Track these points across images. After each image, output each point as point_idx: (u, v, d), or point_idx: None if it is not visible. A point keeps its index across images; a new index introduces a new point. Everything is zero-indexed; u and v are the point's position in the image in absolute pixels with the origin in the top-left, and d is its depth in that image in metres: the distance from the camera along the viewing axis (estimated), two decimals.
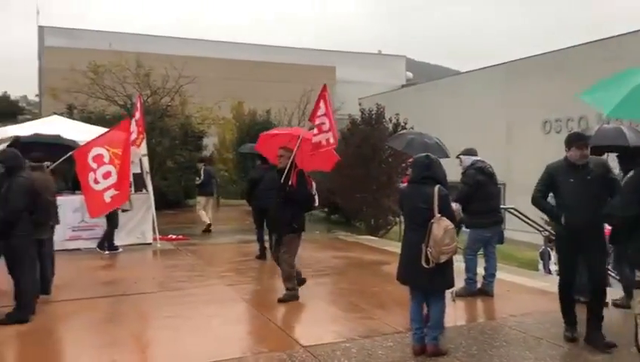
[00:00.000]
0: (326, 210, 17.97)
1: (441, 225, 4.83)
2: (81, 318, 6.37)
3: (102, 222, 10.47)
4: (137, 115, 10.89)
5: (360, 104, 16.67)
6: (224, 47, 42.46)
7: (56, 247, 7.51)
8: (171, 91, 20.87)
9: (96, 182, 7.12)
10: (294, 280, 7.01)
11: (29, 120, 28.90)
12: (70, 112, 19.24)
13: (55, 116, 13.96)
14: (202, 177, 14.00)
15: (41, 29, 42.67)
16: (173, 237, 12.44)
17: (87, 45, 30.30)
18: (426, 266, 4.84)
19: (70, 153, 7.67)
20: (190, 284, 8.12)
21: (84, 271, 8.94)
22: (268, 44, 47.37)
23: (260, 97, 27.32)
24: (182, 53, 27.59)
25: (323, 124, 7.04)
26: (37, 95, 43.80)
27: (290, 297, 6.91)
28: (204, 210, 14.02)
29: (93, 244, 10.74)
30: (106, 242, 10.48)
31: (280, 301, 6.89)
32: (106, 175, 7.22)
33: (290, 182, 6.77)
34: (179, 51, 30.81)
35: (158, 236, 11.53)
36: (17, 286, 6.07)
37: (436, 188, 4.97)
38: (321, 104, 7.15)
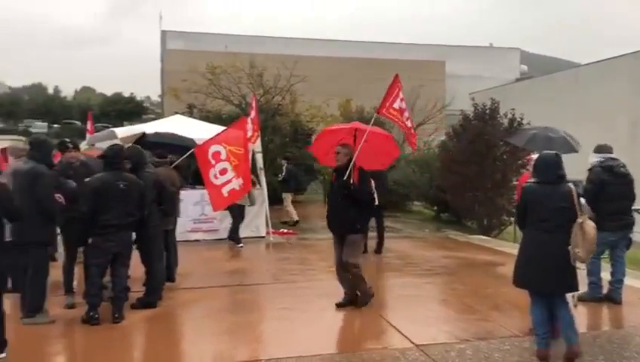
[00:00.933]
0: (435, 208, 17.63)
1: (590, 225, 4.63)
2: (202, 306, 6.75)
3: (220, 215, 11.01)
4: (253, 113, 11.32)
5: (473, 99, 16.13)
6: (332, 46, 42.98)
7: (178, 238, 8.00)
8: (282, 90, 21.47)
9: (215, 177, 7.47)
10: (364, 281, 6.58)
11: (152, 119, 30.98)
12: (190, 111, 20.36)
13: (177, 115, 14.86)
14: (284, 174, 14.70)
15: (163, 33, 45.63)
16: (285, 231, 12.81)
17: (205, 47, 31.88)
18: (566, 268, 4.67)
19: (191, 150, 8.11)
20: (302, 277, 8.33)
21: (204, 262, 9.47)
22: (375, 41, 47.21)
23: (367, 94, 27.35)
24: (293, 53, 28.29)
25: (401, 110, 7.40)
26: (159, 95, 46.85)
27: (367, 297, 6.58)
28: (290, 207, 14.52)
29: (212, 236, 11.34)
30: (233, 235, 10.95)
31: (359, 305, 6.51)
32: (223, 171, 7.54)
33: (351, 181, 6.36)
34: (290, 51, 31.64)
35: (270, 230, 11.93)
36: (149, 274, 6.57)
37: (572, 186, 4.74)
38: (399, 93, 7.31)
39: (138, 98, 65.20)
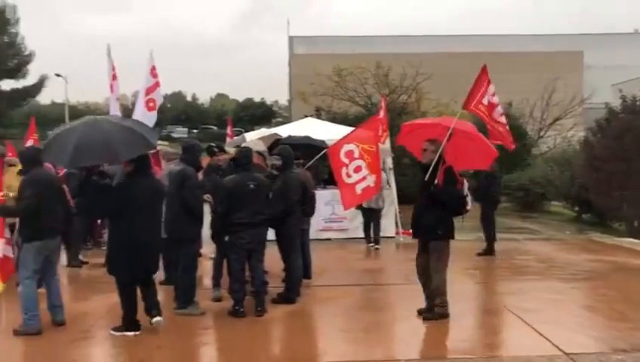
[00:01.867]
0: (577, 208, 16.47)
1: None
2: (337, 303, 6.86)
3: (350, 214, 11.16)
4: (382, 113, 11.32)
5: (620, 90, 14.84)
6: (454, 41, 41.75)
7: (311, 237, 8.20)
8: (408, 89, 21.28)
9: (348, 176, 7.56)
10: (445, 296, 6.03)
11: (281, 123, 32.12)
12: (318, 114, 20.86)
13: (308, 118, 15.28)
14: None
15: (290, 38, 47.10)
16: None
17: (330, 50, 32.44)
18: None
19: (324, 151, 8.28)
20: None
21: (336, 260, 9.65)
22: (500, 34, 45.11)
23: (499, 89, 26.26)
24: (417, 51, 27.92)
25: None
26: (288, 100, 48.48)
27: (440, 315, 5.95)
28: None
29: (342, 235, 11.53)
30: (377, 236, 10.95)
31: (426, 319, 5.99)
32: (357, 169, 7.61)
33: (435, 181, 5.82)
34: (414, 49, 31.22)
35: (400, 230, 11.85)
36: (288, 271, 6.82)
37: None
38: (489, 87, 6.57)
39: (268, 103, 68.04)
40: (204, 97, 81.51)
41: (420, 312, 6.10)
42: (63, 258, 8.65)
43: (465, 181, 6.08)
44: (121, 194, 5.47)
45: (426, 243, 6.02)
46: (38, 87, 49.45)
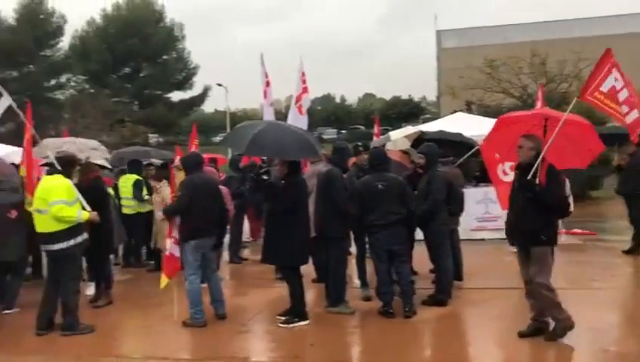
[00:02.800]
0: None
1: None
2: (491, 306, 6.52)
3: (504, 213, 10.54)
4: (539, 104, 10.61)
5: None
6: (620, 22, 37.79)
7: (462, 237, 7.87)
8: (569, 77, 19.73)
9: (504, 173, 7.17)
10: (561, 307, 5.19)
11: (429, 119, 31.55)
12: (469, 109, 20.16)
13: (458, 113, 14.81)
14: None
15: (438, 33, 46.15)
16: (579, 231, 11.65)
17: (480, 42, 31.22)
18: None
19: (475, 148, 7.94)
20: (605, 284, 7.42)
21: (490, 261, 9.19)
22: None
23: None
24: (576, 35, 25.76)
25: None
26: (437, 95, 47.54)
27: (564, 330, 5.16)
28: None
29: (497, 235, 10.92)
30: None
31: (551, 337, 5.19)
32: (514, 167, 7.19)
33: (537, 180, 5.09)
34: (573, 33, 28.87)
35: (563, 230, 10.97)
36: (438, 272, 6.64)
37: None
38: (615, 74, 5.49)
39: (415, 99, 67.30)
40: (352, 98, 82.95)
41: (521, 335, 5.29)
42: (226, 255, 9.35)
43: (566, 180, 5.54)
44: (294, 192, 5.93)
45: (527, 250, 5.30)
46: (202, 97, 53.99)
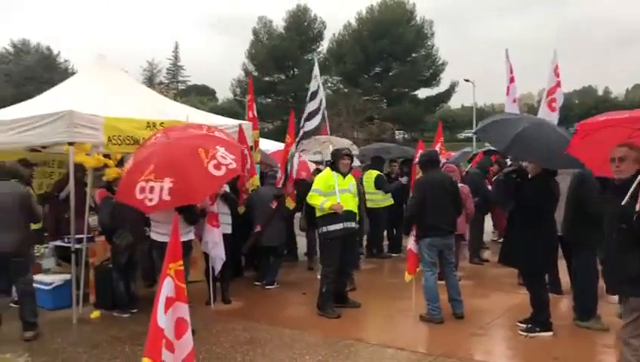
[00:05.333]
0: None
1: None
2: None
3: None
4: None
5: None
6: None
7: None
8: None
9: None
10: None
11: None
12: None
13: None
14: None
15: None
16: None
17: None
18: None
19: None
20: None
21: None
22: None
23: None
24: None
25: None
26: None
27: None
28: None
29: None
30: None
31: None
32: None
33: (638, 206, 3.62)
34: None
35: None
36: None
37: None
38: None
39: None
40: (619, 90, 73.82)
41: None
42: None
43: None
44: (543, 193, 5.59)
45: (625, 297, 4.05)
46: (449, 93, 53.76)
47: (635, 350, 3.92)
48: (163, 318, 3.04)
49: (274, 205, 7.85)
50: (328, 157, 8.20)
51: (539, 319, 5.67)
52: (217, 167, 5.14)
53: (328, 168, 6.81)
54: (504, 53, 9.77)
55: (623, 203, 3.76)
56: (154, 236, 5.85)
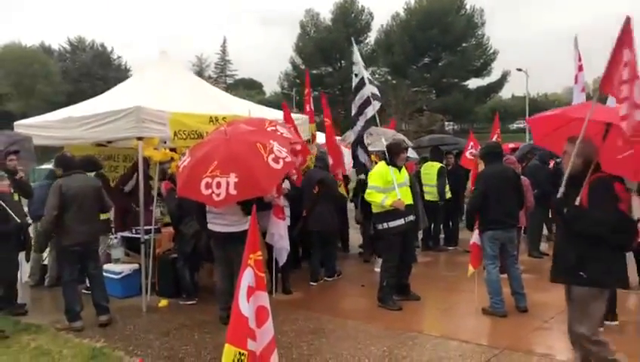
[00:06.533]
0: None
1: None
2: None
3: None
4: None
5: None
6: None
7: None
8: None
9: None
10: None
11: None
12: None
13: None
14: None
15: None
16: None
17: None
18: None
19: None
20: None
21: None
22: None
23: None
24: None
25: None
26: None
27: None
28: None
29: None
30: None
31: None
32: None
33: (579, 198, 3.81)
34: None
35: None
36: None
37: None
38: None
39: None
40: None
41: None
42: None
43: (635, 196, 3.89)
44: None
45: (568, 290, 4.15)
46: (500, 82, 52.62)
47: (589, 340, 3.99)
48: (246, 306, 3.15)
49: (315, 190, 7.79)
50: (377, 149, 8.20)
51: None
52: (276, 160, 5.29)
53: (383, 162, 6.74)
54: (573, 41, 9.46)
55: (558, 195, 3.96)
56: (211, 226, 6.03)
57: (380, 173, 6.58)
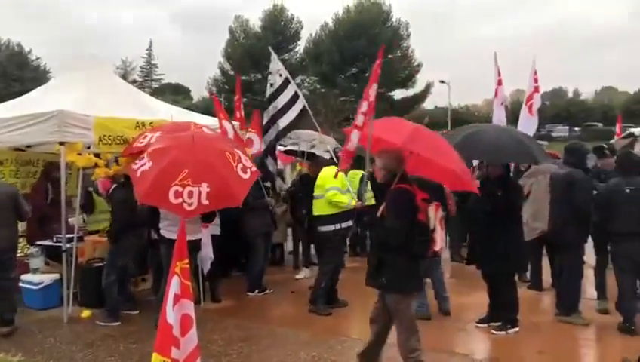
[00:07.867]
0: None
1: None
2: None
3: None
4: None
5: None
6: None
7: None
8: None
9: None
10: None
11: None
12: None
13: None
14: None
15: None
16: None
17: None
18: None
19: None
20: None
21: None
22: None
23: None
24: None
25: None
26: None
27: None
28: None
29: None
30: None
31: None
32: None
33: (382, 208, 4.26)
34: None
35: None
36: None
37: None
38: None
39: None
40: (588, 92, 75.50)
41: None
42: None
43: (437, 209, 4.17)
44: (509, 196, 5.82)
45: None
46: (424, 94, 54.38)
47: (409, 351, 4.33)
48: (172, 315, 3.14)
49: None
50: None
51: (511, 318, 5.83)
52: (244, 170, 5.35)
53: (334, 167, 6.73)
54: (493, 57, 9.92)
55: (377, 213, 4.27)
56: (165, 233, 5.87)
57: (337, 175, 6.49)
